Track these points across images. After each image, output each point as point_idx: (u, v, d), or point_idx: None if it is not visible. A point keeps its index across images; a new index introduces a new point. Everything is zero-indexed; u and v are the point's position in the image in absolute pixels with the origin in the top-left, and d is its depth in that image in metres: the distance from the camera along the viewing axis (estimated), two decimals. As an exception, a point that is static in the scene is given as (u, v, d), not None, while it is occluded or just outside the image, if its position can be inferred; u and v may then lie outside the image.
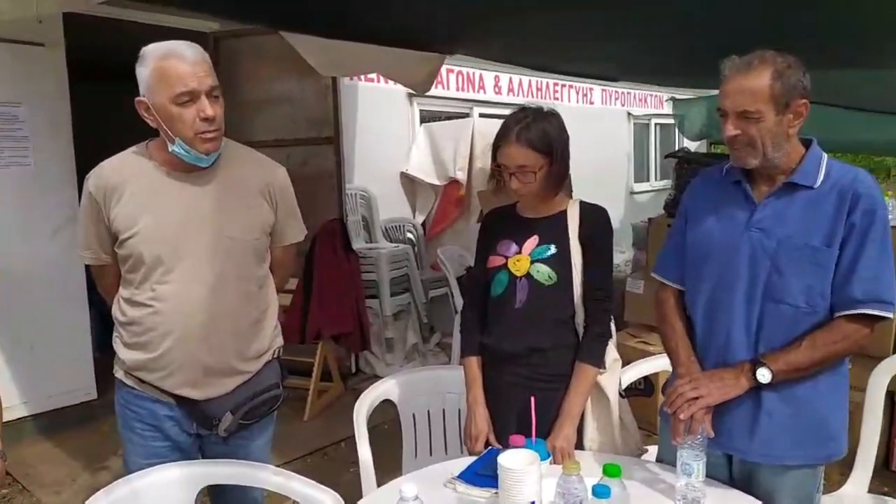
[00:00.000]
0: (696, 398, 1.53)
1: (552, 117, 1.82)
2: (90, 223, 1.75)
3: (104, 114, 6.28)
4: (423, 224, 6.01)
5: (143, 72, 1.64)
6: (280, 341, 1.94)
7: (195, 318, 1.71)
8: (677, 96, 6.92)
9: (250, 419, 1.84)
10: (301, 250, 4.03)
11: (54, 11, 3.79)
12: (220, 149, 1.74)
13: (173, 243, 1.70)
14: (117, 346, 1.81)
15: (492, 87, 7.02)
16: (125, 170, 1.73)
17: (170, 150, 1.68)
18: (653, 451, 1.93)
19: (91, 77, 5.54)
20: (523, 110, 1.82)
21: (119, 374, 1.82)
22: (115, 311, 1.80)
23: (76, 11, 3.78)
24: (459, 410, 2.19)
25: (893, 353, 2.62)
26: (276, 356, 1.92)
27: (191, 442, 1.84)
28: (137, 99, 1.67)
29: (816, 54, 1.55)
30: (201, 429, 1.82)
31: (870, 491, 2.17)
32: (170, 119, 1.64)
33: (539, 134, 1.77)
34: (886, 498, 2.20)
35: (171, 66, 1.61)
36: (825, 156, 1.59)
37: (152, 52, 1.64)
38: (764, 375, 1.51)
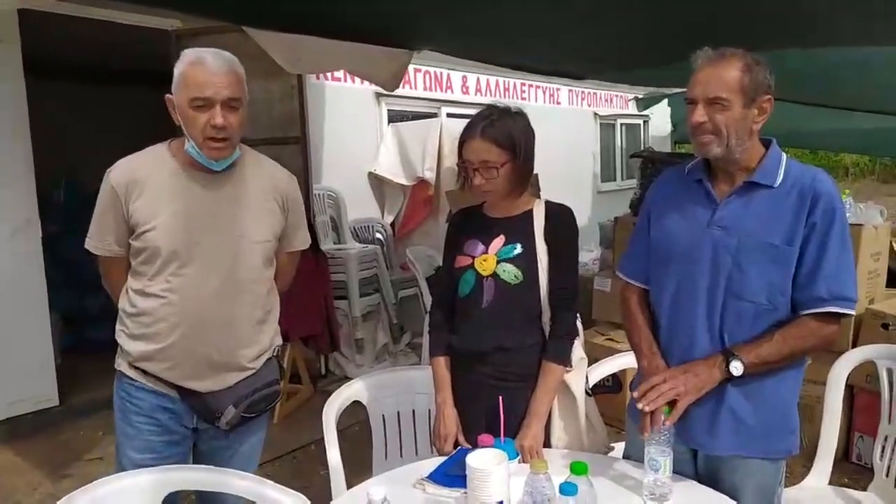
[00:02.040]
0: (675, 397, 1.54)
1: (518, 116, 1.84)
2: (108, 215, 1.79)
3: (64, 112, 6.16)
4: (392, 224, 5.99)
5: (175, 72, 1.74)
6: (279, 340, 2.00)
7: (205, 312, 1.78)
8: (640, 95, 7.02)
9: (251, 413, 1.89)
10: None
11: (9, 7, 3.70)
12: (236, 155, 1.81)
13: (190, 239, 1.76)
14: (121, 338, 1.84)
15: (459, 87, 7.04)
16: (147, 166, 1.80)
17: (185, 148, 1.76)
18: (620, 447, 1.95)
19: (50, 75, 5.41)
20: (490, 108, 1.84)
21: (122, 366, 1.85)
22: (123, 303, 1.84)
23: (33, 8, 3.70)
24: (429, 411, 2.19)
25: (852, 348, 2.68)
26: (275, 354, 1.98)
27: (188, 436, 1.88)
28: (167, 96, 1.77)
29: (777, 34, 1.57)
30: (201, 422, 1.86)
31: (830, 483, 2.23)
32: (185, 120, 1.74)
33: (503, 131, 1.78)
34: (846, 489, 2.26)
35: (195, 71, 1.71)
36: (784, 155, 1.63)
37: (187, 55, 1.74)
38: (737, 367, 1.54)
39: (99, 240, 1.82)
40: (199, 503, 2.05)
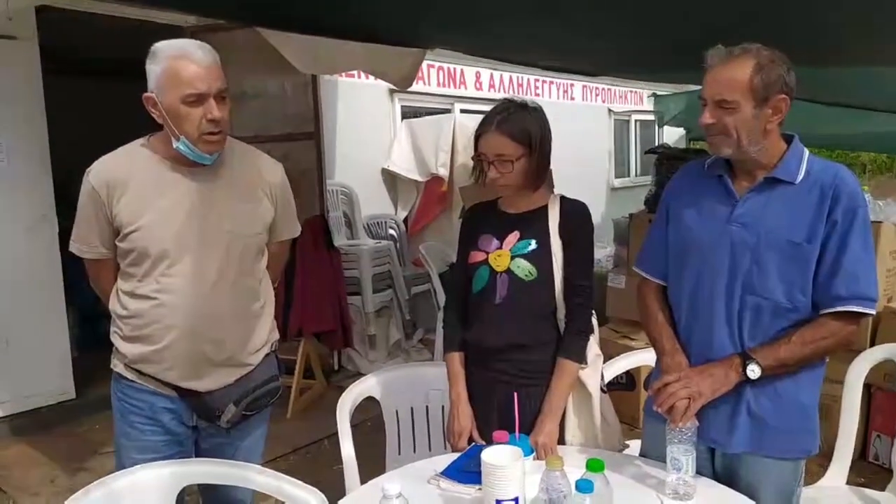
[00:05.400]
0: (688, 397, 1.53)
1: (534, 111, 1.83)
2: (91, 217, 1.74)
3: (80, 109, 6.20)
4: (405, 220, 5.99)
5: (153, 69, 1.67)
6: (276, 335, 1.98)
7: (199, 311, 1.74)
8: (658, 92, 6.97)
9: (252, 410, 1.87)
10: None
11: (26, 4, 3.73)
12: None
13: (178, 237, 1.72)
14: (115, 339, 1.81)
15: (473, 83, 7.02)
16: (128, 164, 1.75)
17: (174, 146, 1.70)
18: (634, 445, 1.94)
19: (66, 72, 5.45)
20: (506, 102, 1.83)
21: (118, 367, 1.82)
22: (114, 305, 1.80)
23: (50, 4, 3.72)
24: (443, 407, 2.19)
25: (870, 346, 2.65)
26: (273, 350, 1.95)
27: (188, 434, 1.86)
28: (146, 94, 1.70)
29: (794, 52, 1.57)
30: (201, 421, 1.85)
31: (847, 482, 2.20)
32: (177, 118, 1.67)
33: (519, 125, 1.78)
34: (864, 489, 2.23)
35: (183, 66, 1.65)
36: (806, 152, 1.61)
37: (165, 50, 1.67)
38: (753, 371, 1.52)
39: (84, 242, 1.78)
40: (202, 499, 2.02)
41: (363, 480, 1.88)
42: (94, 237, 1.76)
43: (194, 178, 1.75)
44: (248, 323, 1.84)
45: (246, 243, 1.81)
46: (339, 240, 5.03)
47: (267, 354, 1.91)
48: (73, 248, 1.81)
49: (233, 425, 1.84)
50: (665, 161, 4.33)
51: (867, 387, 2.82)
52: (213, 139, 1.70)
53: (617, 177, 9.43)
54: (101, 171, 1.73)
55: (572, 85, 8.42)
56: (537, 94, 7.81)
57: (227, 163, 1.80)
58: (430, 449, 2.23)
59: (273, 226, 1.90)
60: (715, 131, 1.56)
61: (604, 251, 5.20)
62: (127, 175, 1.72)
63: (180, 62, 1.65)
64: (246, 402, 1.84)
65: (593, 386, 1.84)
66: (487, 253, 1.87)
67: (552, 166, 1.88)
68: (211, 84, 1.66)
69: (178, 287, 1.72)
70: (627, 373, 3.08)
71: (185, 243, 1.72)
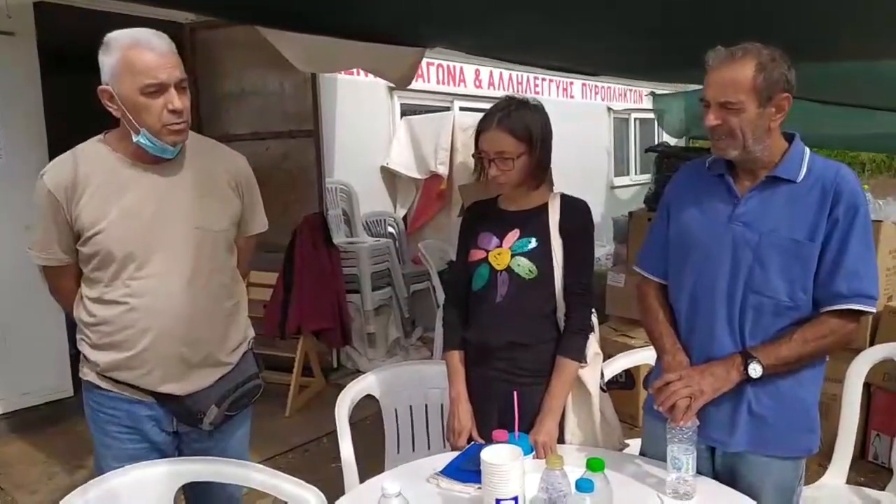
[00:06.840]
0: (689, 396, 1.52)
1: (536, 109, 1.82)
2: (49, 223, 1.66)
3: (78, 105, 6.18)
4: (405, 218, 5.99)
5: (107, 60, 1.59)
6: (252, 332, 1.93)
7: (174, 313, 1.68)
8: (658, 91, 6.97)
9: (234, 410, 1.83)
10: (280, 245, 4.02)
11: (25, 0, 3.71)
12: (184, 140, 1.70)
13: (145, 237, 1.65)
14: (84, 347, 1.75)
15: (472, 81, 7.01)
16: (85, 164, 1.66)
17: (134, 140, 1.62)
18: (634, 444, 1.93)
19: (64, 68, 5.42)
20: (508, 99, 1.83)
21: (90, 376, 1.76)
22: (79, 313, 1.73)
23: (48, 0, 3.71)
24: (442, 405, 2.18)
25: (870, 345, 2.65)
26: (251, 347, 1.91)
27: (169, 441, 1.81)
28: (100, 87, 1.61)
29: (794, 49, 1.56)
30: (182, 425, 1.80)
31: (847, 481, 2.20)
32: (135, 110, 1.59)
33: (520, 122, 1.77)
34: (864, 489, 2.23)
35: (139, 56, 1.56)
36: (807, 150, 1.60)
37: (118, 40, 1.59)
38: (755, 370, 1.52)
39: (43, 249, 1.69)
40: (188, 497, 1.93)
41: (362, 479, 1.87)
42: (53, 243, 1.68)
43: (157, 174, 1.68)
44: (223, 321, 1.79)
45: (215, 239, 1.76)
46: (338, 237, 5.02)
47: (245, 352, 1.87)
48: (32, 255, 1.71)
49: (215, 427, 1.79)
50: (665, 159, 4.34)
51: (867, 386, 2.81)
52: (176, 128, 1.62)
53: (616, 175, 9.43)
54: (57, 172, 1.65)
55: (572, 83, 8.42)
56: (537, 92, 7.80)
57: (189, 158, 1.73)
58: (428, 447, 2.23)
59: (240, 220, 1.85)
60: (720, 133, 1.55)
61: (603, 249, 5.21)
62: (85, 175, 1.64)
63: (135, 51, 1.56)
64: (228, 401, 1.79)
65: (593, 385, 1.84)
66: (487, 251, 1.86)
67: (551, 164, 1.87)
68: (171, 73, 1.58)
69: (151, 289, 1.66)
70: (626, 371, 3.08)
71: (152, 243, 1.66)
